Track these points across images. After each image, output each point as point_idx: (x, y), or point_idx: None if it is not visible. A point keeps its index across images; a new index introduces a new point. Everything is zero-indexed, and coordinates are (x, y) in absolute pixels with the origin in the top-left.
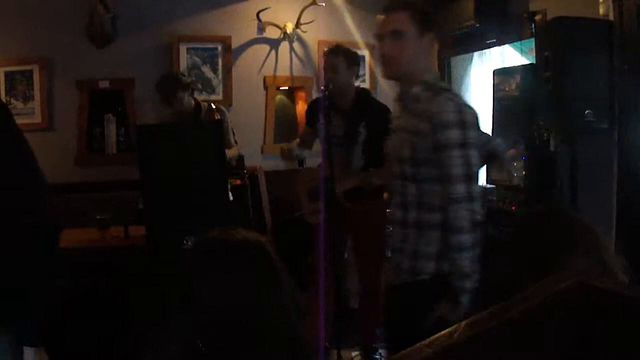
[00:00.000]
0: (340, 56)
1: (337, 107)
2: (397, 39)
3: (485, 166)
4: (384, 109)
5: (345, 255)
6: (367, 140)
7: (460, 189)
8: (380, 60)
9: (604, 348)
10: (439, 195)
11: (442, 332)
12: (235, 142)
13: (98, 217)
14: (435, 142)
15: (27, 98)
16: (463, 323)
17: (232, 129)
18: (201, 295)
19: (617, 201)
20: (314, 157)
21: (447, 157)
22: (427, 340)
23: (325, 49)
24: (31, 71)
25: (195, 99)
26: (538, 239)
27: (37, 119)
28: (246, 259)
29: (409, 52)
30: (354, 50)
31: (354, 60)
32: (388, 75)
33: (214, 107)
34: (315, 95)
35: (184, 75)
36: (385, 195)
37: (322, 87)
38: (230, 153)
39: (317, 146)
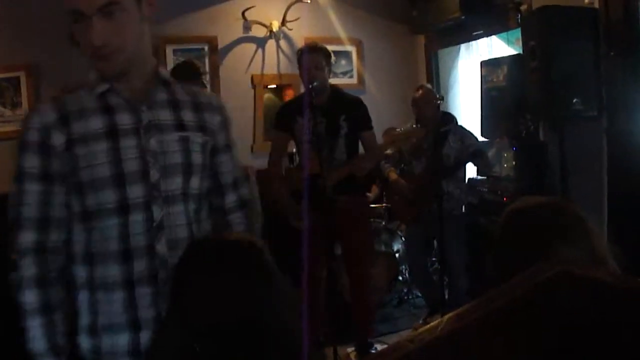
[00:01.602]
0: (321, 53)
1: (315, 104)
2: (111, 15)
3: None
4: (359, 101)
5: (338, 252)
6: (348, 133)
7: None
8: (92, 51)
9: (591, 338)
10: None
11: (426, 327)
12: None
13: None
14: None
15: (15, 105)
16: (446, 317)
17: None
18: (194, 299)
19: (607, 188)
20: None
21: None
22: (410, 336)
23: (301, 48)
24: (18, 78)
25: None
26: (528, 229)
27: None
28: (240, 261)
29: (134, 32)
30: (335, 47)
31: (330, 57)
32: (111, 72)
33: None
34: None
35: (199, 65)
36: (374, 190)
37: (311, 85)
38: None
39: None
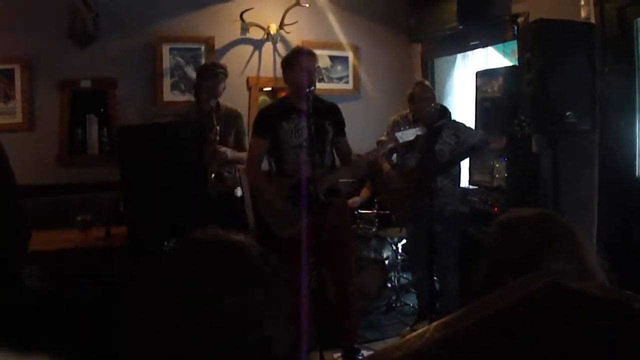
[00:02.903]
0: (316, 59)
1: (301, 109)
2: None
3: (468, 159)
4: (337, 106)
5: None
6: (334, 137)
7: None
8: None
9: (578, 349)
10: None
11: (413, 334)
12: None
13: (79, 218)
14: None
15: (8, 97)
16: (433, 325)
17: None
18: (182, 298)
19: (598, 202)
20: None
21: None
22: (397, 343)
23: (296, 49)
24: (12, 70)
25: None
26: (518, 240)
27: (18, 118)
28: (230, 260)
29: None
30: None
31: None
32: None
33: (231, 109)
34: None
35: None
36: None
37: (308, 90)
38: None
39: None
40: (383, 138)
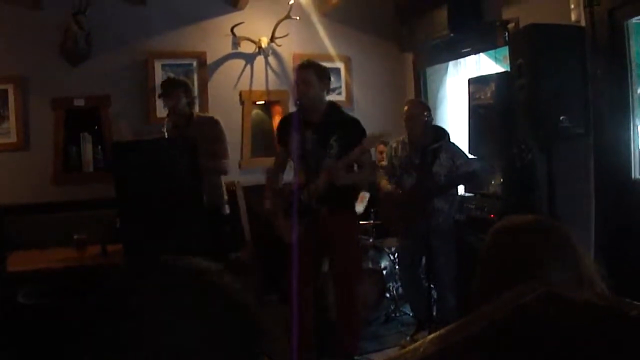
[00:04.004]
0: (311, 69)
1: (308, 121)
2: None
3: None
4: (355, 122)
5: (325, 268)
6: (338, 154)
7: None
8: None
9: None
10: None
11: (408, 348)
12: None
13: (76, 236)
14: None
15: (2, 118)
16: (428, 338)
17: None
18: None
19: (594, 206)
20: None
21: None
22: (392, 357)
23: (297, 64)
24: (6, 90)
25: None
26: (513, 249)
27: (12, 138)
28: (197, 290)
29: None
30: (324, 64)
31: (325, 74)
32: None
33: (208, 116)
34: (292, 109)
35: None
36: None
37: (296, 102)
38: (215, 165)
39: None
40: (383, 163)
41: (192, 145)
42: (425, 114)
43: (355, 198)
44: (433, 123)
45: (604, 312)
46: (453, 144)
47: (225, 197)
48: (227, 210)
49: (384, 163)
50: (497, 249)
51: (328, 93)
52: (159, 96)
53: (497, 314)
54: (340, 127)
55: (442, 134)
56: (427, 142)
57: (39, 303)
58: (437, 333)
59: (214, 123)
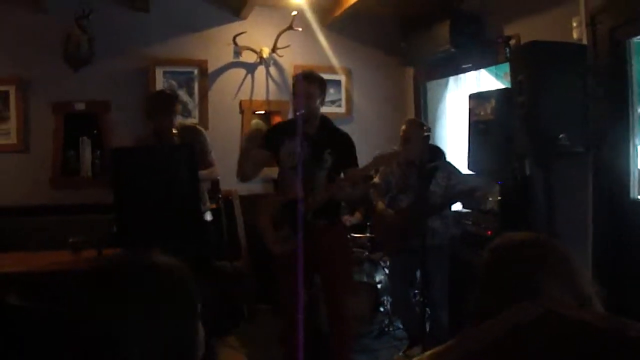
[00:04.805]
0: (316, 84)
1: (304, 132)
2: None
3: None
4: (347, 137)
5: (317, 280)
6: (331, 168)
7: None
8: None
9: None
10: None
11: None
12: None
13: (71, 239)
14: None
15: (3, 119)
16: (425, 355)
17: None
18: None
19: (593, 224)
20: (265, 183)
21: None
22: None
23: (296, 73)
24: (7, 92)
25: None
26: (511, 267)
27: (12, 140)
28: (158, 286)
29: None
30: (325, 76)
31: (326, 88)
32: None
33: (191, 126)
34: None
35: (174, 93)
36: (358, 215)
37: (299, 113)
38: (209, 173)
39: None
40: (376, 180)
41: (191, 152)
42: (425, 135)
43: (352, 213)
44: (430, 141)
45: (602, 333)
46: (449, 162)
47: (208, 204)
48: (209, 217)
49: (377, 180)
50: (494, 267)
51: (322, 105)
52: (151, 116)
53: (496, 332)
54: (333, 141)
55: (439, 153)
56: (424, 162)
57: (28, 305)
58: (435, 350)
59: (197, 132)
